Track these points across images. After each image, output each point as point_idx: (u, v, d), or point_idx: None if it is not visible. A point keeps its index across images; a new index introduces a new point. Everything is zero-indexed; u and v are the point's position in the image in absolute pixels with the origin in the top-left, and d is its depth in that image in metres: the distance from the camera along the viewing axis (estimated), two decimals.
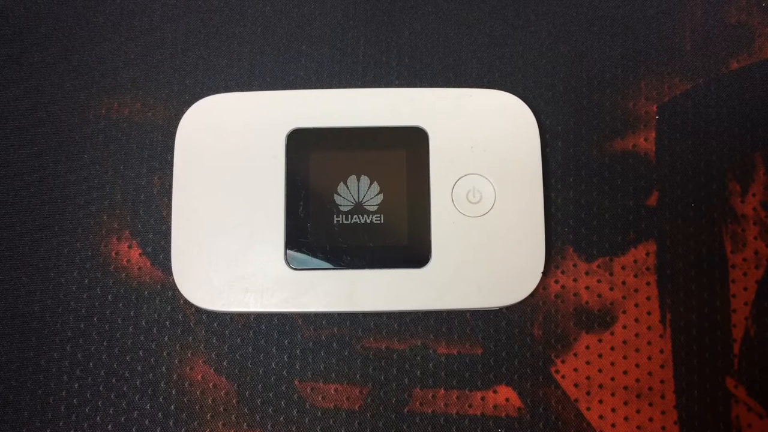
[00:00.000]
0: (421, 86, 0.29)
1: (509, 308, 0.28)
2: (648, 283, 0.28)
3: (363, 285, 0.27)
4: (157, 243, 0.28)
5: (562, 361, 0.27)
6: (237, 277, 0.27)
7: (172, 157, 0.28)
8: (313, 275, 0.27)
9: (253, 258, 0.27)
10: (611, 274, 0.28)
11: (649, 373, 0.27)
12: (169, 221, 0.28)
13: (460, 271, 0.27)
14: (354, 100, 0.28)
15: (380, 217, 0.27)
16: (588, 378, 0.27)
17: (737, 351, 0.27)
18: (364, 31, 0.30)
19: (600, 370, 0.27)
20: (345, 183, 0.28)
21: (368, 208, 0.28)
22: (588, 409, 0.27)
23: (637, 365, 0.27)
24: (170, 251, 0.27)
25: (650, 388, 0.27)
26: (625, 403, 0.27)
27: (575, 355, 0.28)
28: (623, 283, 0.28)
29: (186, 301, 0.28)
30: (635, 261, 0.28)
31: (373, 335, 0.28)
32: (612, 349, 0.28)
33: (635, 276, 0.28)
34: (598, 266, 0.28)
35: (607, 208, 0.29)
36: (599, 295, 0.28)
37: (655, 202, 0.28)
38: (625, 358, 0.27)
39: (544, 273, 0.27)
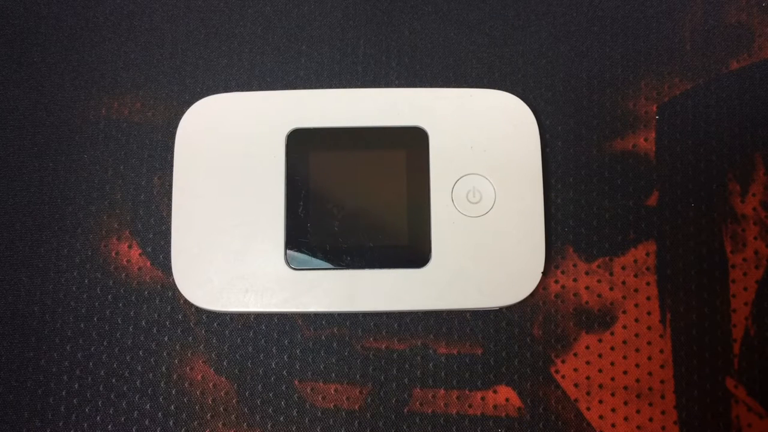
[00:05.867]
0: (421, 86, 0.29)
1: (509, 308, 0.28)
2: (648, 283, 0.28)
3: (363, 285, 0.27)
4: (157, 243, 0.28)
5: (562, 361, 0.27)
6: (237, 277, 0.27)
7: (172, 157, 0.28)
8: (313, 275, 0.27)
9: (253, 258, 0.27)
10: (611, 274, 0.28)
11: (649, 373, 0.27)
12: (169, 221, 0.28)
13: (460, 271, 0.27)
14: (354, 100, 0.28)
15: (380, 217, 0.27)
16: (588, 378, 0.27)
17: (737, 351, 0.27)
18: (364, 31, 0.30)
19: (600, 370, 0.27)
20: (345, 183, 0.28)
21: (368, 208, 0.27)
22: (588, 409, 0.27)
23: (637, 365, 0.27)
24: (170, 251, 0.27)
25: (650, 388, 0.27)
26: (625, 403, 0.27)
27: (575, 355, 0.28)
28: (623, 283, 0.28)
29: (186, 301, 0.28)
30: (635, 261, 0.28)
31: (373, 335, 0.28)
32: (612, 349, 0.28)
33: (635, 276, 0.28)
34: (598, 266, 0.28)
35: (607, 208, 0.29)
36: (599, 295, 0.28)
37: (655, 202, 0.28)
38: (625, 358, 0.27)
39: (544, 273, 0.27)
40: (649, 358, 0.27)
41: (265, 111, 0.28)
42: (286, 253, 0.27)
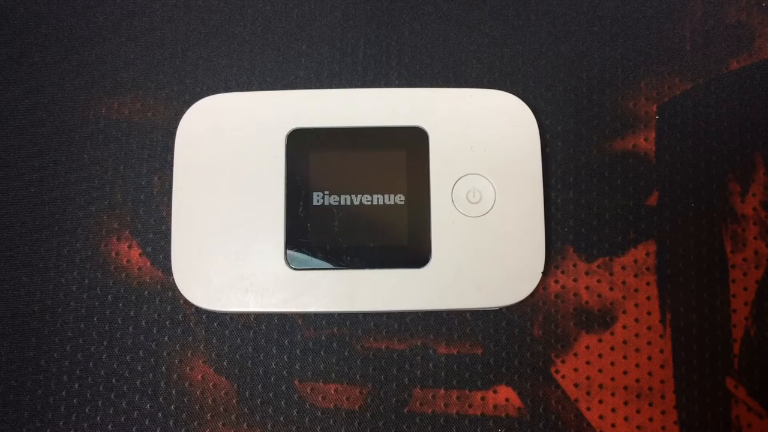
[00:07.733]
0: (421, 86, 0.29)
1: (509, 308, 0.28)
2: (648, 283, 0.28)
3: (363, 285, 0.27)
4: (157, 243, 0.28)
5: (562, 361, 0.27)
6: (237, 277, 0.27)
7: (172, 157, 0.28)
8: (313, 275, 0.27)
9: (253, 258, 0.27)
10: (611, 274, 0.28)
11: (649, 373, 0.27)
12: (169, 221, 0.28)
13: (460, 271, 0.27)
14: (354, 100, 0.28)
15: (380, 217, 0.27)
16: (588, 378, 0.27)
17: (737, 351, 0.27)
18: (364, 31, 0.30)
19: (600, 370, 0.27)
20: (346, 183, 0.28)
21: (368, 208, 0.27)
22: (588, 409, 0.27)
23: (637, 365, 0.27)
24: (170, 251, 0.27)
25: (650, 388, 0.27)
26: (625, 403, 0.27)
27: (575, 355, 0.28)
28: (623, 283, 0.28)
29: (186, 301, 0.28)
30: (635, 261, 0.28)
31: (373, 335, 0.28)
32: (612, 349, 0.28)
33: (635, 276, 0.28)
34: (598, 266, 0.28)
35: (607, 208, 0.29)
36: (599, 295, 0.28)
37: (655, 202, 0.28)
38: (625, 358, 0.27)
39: (544, 273, 0.27)
40: (649, 358, 0.27)
41: (265, 111, 0.28)
42: (286, 253, 0.27)
